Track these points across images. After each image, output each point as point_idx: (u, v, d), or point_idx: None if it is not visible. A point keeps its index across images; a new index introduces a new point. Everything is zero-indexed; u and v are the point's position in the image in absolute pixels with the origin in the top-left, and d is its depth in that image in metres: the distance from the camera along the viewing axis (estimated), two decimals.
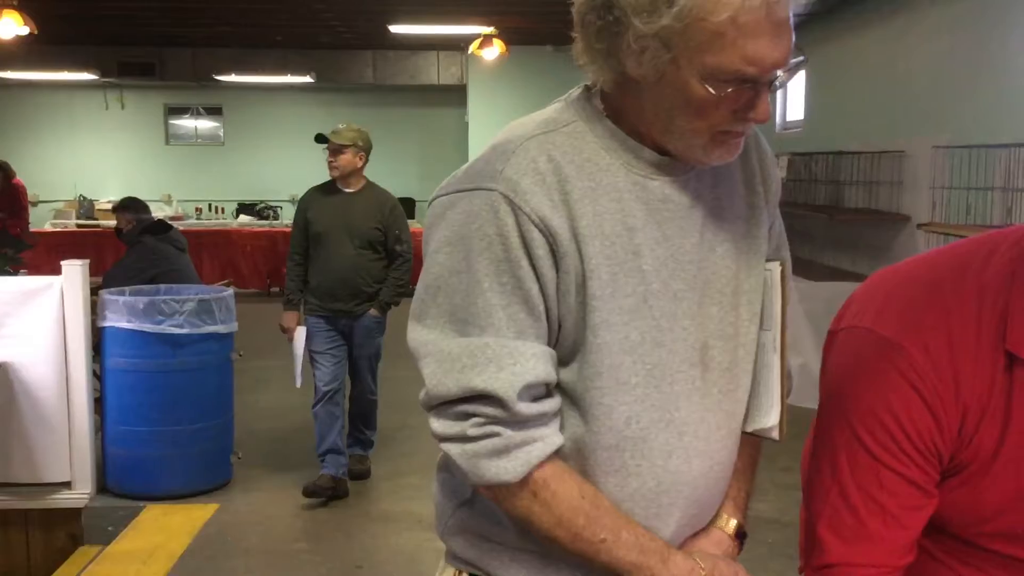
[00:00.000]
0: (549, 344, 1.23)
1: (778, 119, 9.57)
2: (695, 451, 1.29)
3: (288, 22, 10.20)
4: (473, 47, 9.64)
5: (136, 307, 4.55)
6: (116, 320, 4.56)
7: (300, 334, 4.78)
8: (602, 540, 1.22)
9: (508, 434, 1.19)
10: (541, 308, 1.21)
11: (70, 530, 4.50)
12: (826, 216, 7.38)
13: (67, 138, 14.46)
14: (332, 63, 12.65)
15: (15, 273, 5.79)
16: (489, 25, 9.40)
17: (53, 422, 4.46)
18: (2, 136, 13.84)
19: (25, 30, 6.93)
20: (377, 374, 4.96)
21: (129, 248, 5.56)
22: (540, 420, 1.21)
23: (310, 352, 4.76)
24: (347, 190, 4.78)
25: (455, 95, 13.12)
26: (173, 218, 11.24)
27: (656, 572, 1.24)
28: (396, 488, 4.81)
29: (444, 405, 1.21)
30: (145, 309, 4.54)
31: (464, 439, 1.20)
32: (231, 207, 13.64)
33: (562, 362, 1.24)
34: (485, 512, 1.31)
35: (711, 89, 1.15)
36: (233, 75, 12.40)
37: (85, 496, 4.53)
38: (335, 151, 4.71)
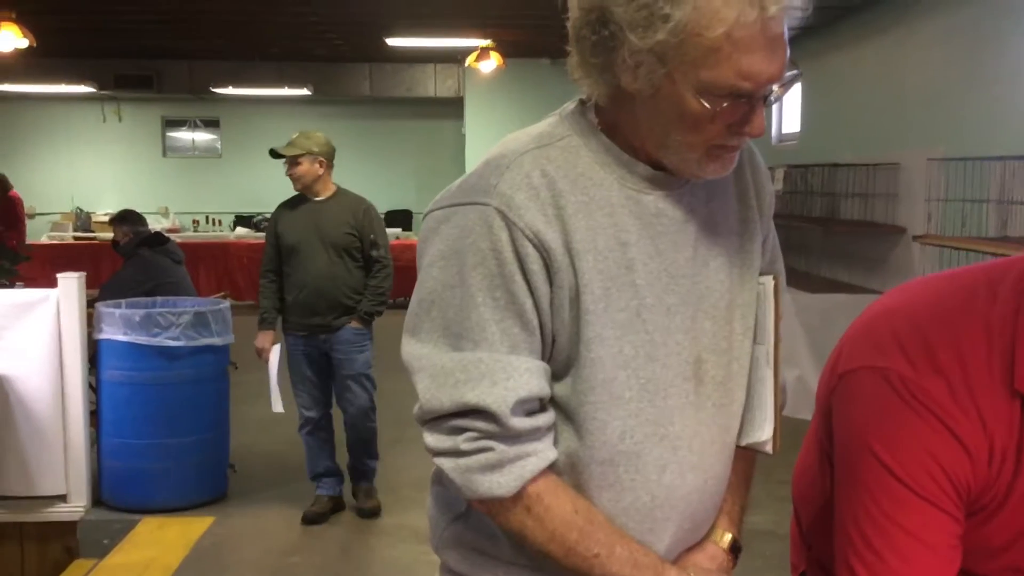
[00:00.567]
0: (543, 359, 1.23)
1: (774, 131, 9.59)
2: (689, 465, 1.29)
3: (285, 35, 10.22)
4: (470, 60, 9.65)
5: (132, 320, 4.54)
6: (112, 332, 4.56)
7: (275, 355, 4.61)
8: (595, 555, 1.22)
9: (501, 449, 1.19)
10: (535, 323, 1.21)
11: (65, 543, 4.48)
12: (822, 228, 7.39)
13: (64, 150, 14.47)
14: (329, 76, 12.67)
15: (11, 285, 5.79)
16: (486, 38, 9.42)
17: (48, 435, 4.45)
18: None
19: (24, 43, 6.94)
20: (373, 395, 4.66)
21: (126, 261, 5.56)
22: (534, 435, 1.21)
23: (291, 376, 4.59)
24: (316, 199, 4.56)
25: (452, 108, 13.14)
26: (170, 230, 11.23)
27: None
28: (392, 501, 4.80)
29: (438, 420, 1.21)
30: (141, 322, 4.54)
31: (457, 453, 1.20)
32: (228, 219, 13.64)
33: (556, 376, 1.24)
34: (479, 526, 1.31)
35: (706, 104, 1.15)
36: (230, 88, 12.41)
37: (80, 509, 4.52)
38: (291, 163, 4.51)
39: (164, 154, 14.99)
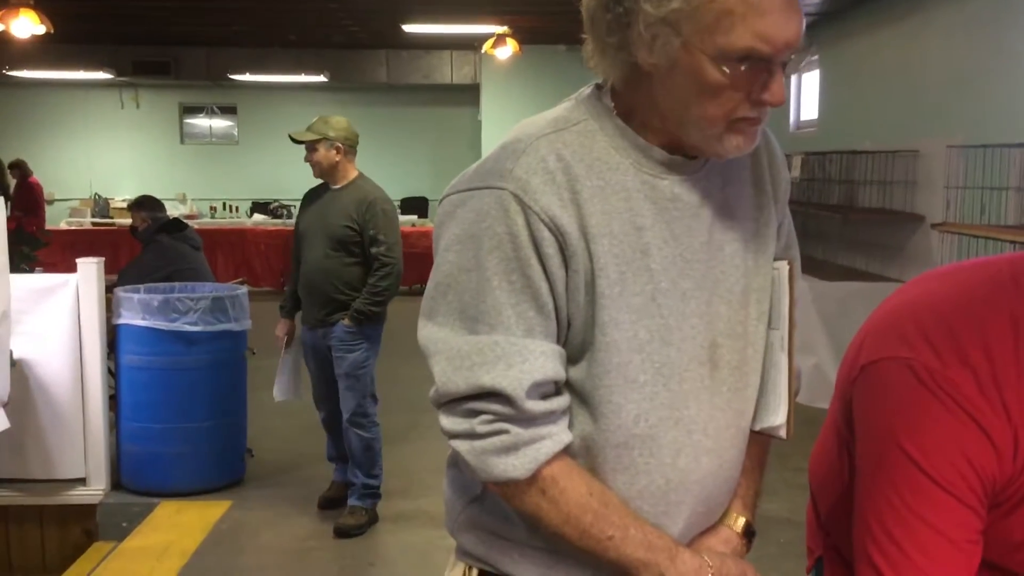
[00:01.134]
0: (558, 342, 1.24)
1: (792, 118, 9.55)
2: (704, 449, 1.29)
3: (302, 22, 10.23)
4: (486, 46, 9.64)
5: (151, 305, 4.57)
6: (131, 317, 4.59)
7: (292, 344, 4.58)
8: (610, 537, 1.23)
9: (516, 431, 1.20)
10: (550, 306, 1.22)
11: (84, 526, 4.52)
12: (840, 216, 7.35)
13: (82, 137, 14.54)
14: (346, 63, 12.68)
15: (31, 270, 5.83)
16: (502, 24, 9.41)
17: (68, 419, 4.49)
18: (18, 135, 13.93)
19: (41, 29, 6.96)
20: (365, 402, 4.36)
21: (144, 246, 5.59)
22: (549, 418, 1.22)
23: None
24: (334, 187, 4.37)
25: (468, 94, 13.13)
26: (188, 217, 11.28)
27: (664, 569, 1.24)
28: (407, 486, 4.82)
29: (453, 402, 1.22)
30: (160, 307, 4.56)
31: (473, 436, 1.21)
32: (245, 206, 13.68)
33: (571, 360, 1.25)
34: (495, 508, 1.31)
35: (725, 69, 1.15)
36: (248, 74, 12.44)
37: (99, 492, 4.56)
38: (308, 148, 4.34)
39: (182, 140, 15.05)
